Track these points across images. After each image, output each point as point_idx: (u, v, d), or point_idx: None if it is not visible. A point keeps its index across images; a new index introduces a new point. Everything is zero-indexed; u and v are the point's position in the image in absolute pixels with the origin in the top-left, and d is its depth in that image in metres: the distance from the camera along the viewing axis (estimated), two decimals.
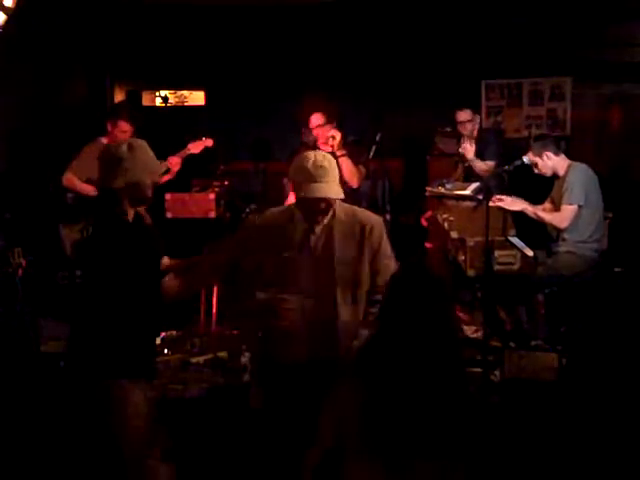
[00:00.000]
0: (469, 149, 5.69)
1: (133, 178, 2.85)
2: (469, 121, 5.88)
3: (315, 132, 5.09)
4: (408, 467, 2.27)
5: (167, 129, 6.76)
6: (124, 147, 2.88)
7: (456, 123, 6.02)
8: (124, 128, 5.20)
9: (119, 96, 7.73)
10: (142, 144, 2.94)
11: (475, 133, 5.93)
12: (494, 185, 4.87)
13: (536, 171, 4.87)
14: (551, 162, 4.82)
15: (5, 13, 4.34)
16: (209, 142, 5.48)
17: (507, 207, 4.84)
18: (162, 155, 5.55)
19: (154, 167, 2.99)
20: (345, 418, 2.34)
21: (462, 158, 5.86)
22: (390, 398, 2.29)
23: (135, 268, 2.81)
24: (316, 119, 5.19)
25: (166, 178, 5.36)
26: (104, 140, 5.24)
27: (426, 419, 2.27)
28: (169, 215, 5.43)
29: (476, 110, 6.09)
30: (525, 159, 4.70)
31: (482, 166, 5.66)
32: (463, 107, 5.90)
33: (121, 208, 2.87)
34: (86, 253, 2.95)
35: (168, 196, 5.43)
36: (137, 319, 2.83)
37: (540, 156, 4.81)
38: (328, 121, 5.11)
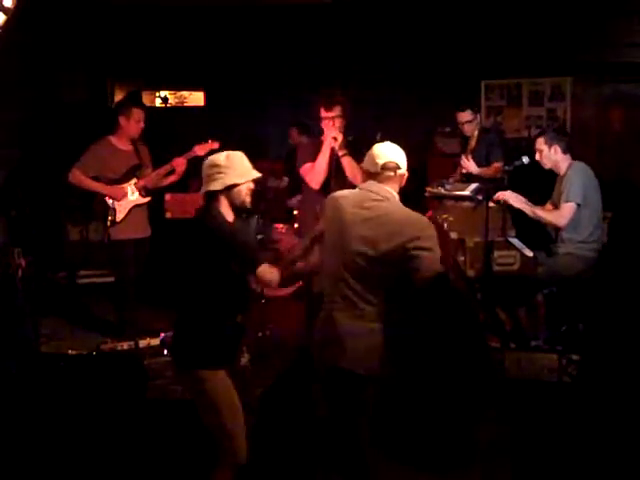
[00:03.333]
0: (471, 165, 5.65)
1: (230, 182, 3.12)
2: (470, 121, 5.86)
3: (324, 123, 4.95)
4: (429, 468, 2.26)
5: (167, 129, 6.77)
6: (223, 155, 3.18)
7: (457, 124, 6.01)
8: (139, 117, 5.26)
9: (119, 96, 7.74)
10: (239, 154, 3.22)
11: (476, 133, 5.92)
12: (494, 185, 4.87)
13: (537, 158, 4.84)
14: (556, 157, 4.79)
15: (5, 13, 4.33)
16: (216, 145, 5.47)
17: (508, 200, 4.81)
18: (162, 155, 5.57)
19: (249, 174, 3.21)
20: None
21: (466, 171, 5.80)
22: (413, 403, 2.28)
23: (227, 265, 3.07)
24: (334, 110, 4.98)
25: (171, 179, 5.37)
26: (112, 138, 5.28)
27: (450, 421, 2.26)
28: (168, 215, 5.44)
29: (477, 110, 6.06)
30: (525, 159, 4.68)
31: (488, 172, 5.62)
32: (463, 108, 5.88)
33: (216, 208, 3.14)
34: (186, 249, 3.22)
35: (168, 196, 5.43)
36: (225, 310, 3.12)
37: (549, 146, 4.79)
38: (341, 115, 4.96)
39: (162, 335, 4.88)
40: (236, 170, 3.15)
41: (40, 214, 6.03)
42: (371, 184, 3.16)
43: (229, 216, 3.16)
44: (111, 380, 3.96)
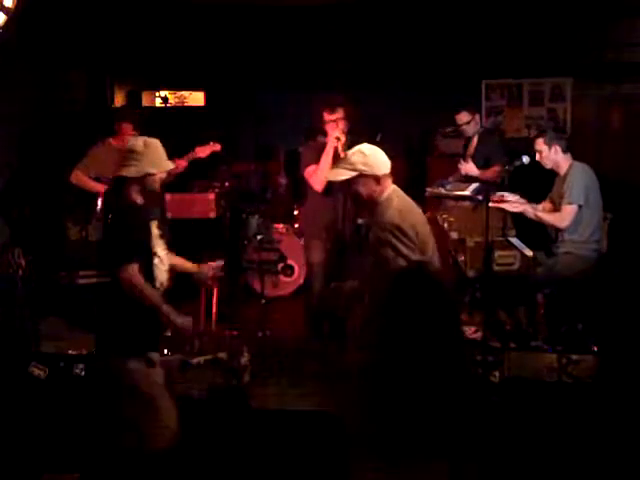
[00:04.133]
0: (470, 168, 5.64)
1: (143, 170, 3.20)
2: (468, 122, 5.87)
3: (328, 125, 4.96)
4: (413, 467, 2.27)
5: (167, 129, 6.76)
6: (140, 141, 3.27)
7: (457, 126, 6.01)
8: (128, 131, 5.36)
9: (119, 96, 7.73)
10: (156, 142, 3.30)
11: (476, 136, 5.91)
12: (493, 186, 4.87)
13: (537, 158, 4.84)
14: (556, 156, 4.80)
15: (5, 13, 4.33)
16: (217, 147, 5.52)
17: (508, 208, 4.83)
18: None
19: (164, 164, 3.31)
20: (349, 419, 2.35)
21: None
22: (397, 400, 2.29)
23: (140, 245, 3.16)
24: (337, 112, 4.99)
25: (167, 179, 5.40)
26: (112, 141, 5.41)
27: (432, 420, 2.27)
28: (169, 215, 5.44)
29: (474, 109, 6.06)
30: (525, 159, 4.68)
31: (487, 174, 5.62)
32: (461, 109, 5.88)
33: (131, 195, 3.21)
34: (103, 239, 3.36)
35: (168, 196, 5.43)
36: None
37: (550, 146, 4.79)
38: (344, 117, 4.96)
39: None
40: (152, 159, 3.24)
41: (40, 214, 6.03)
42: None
43: (139, 200, 3.25)
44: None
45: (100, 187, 5.27)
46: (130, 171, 3.19)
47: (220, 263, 3.68)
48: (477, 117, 5.95)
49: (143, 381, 3.12)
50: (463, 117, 5.87)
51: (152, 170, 3.23)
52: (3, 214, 5.45)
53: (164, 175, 3.34)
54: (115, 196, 3.25)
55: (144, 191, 3.26)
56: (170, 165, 3.37)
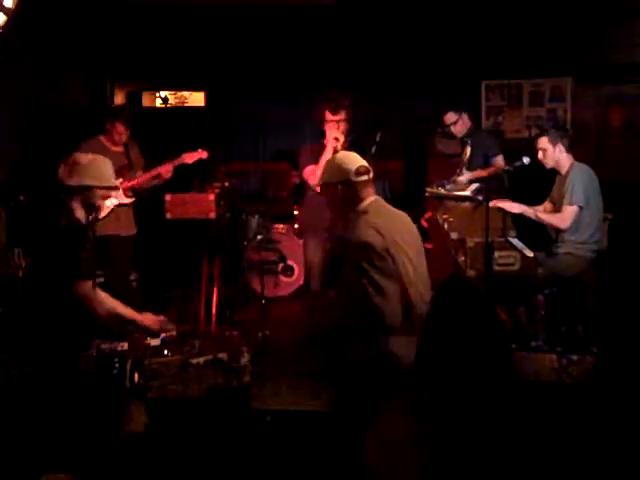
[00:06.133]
0: (464, 178, 5.60)
1: (85, 182, 3.35)
2: (456, 122, 5.88)
3: (328, 126, 4.94)
4: None
5: (167, 130, 6.77)
6: (89, 156, 3.47)
7: (445, 126, 6.03)
8: (120, 130, 5.40)
9: (119, 97, 7.73)
10: (104, 160, 3.48)
11: (466, 132, 5.92)
12: (494, 186, 4.87)
13: (539, 157, 4.84)
14: (560, 155, 4.80)
15: (5, 14, 4.34)
16: (204, 154, 5.55)
17: (508, 209, 4.84)
18: (162, 155, 5.58)
19: (107, 182, 3.44)
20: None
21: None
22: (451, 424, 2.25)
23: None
24: (340, 114, 4.97)
25: (155, 182, 5.49)
26: (102, 138, 5.43)
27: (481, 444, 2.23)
28: (169, 216, 5.43)
29: (469, 110, 6.07)
30: (525, 159, 4.68)
31: (490, 170, 5.62)
32: (445, 110, 5.91)
33: (70, 205, 3.37)
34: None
35: (168, 197, 5.43)
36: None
37: (554, 144, 4.79)
38: (346, 119, 4.95)
39: (162, 335, 4.87)
40: (94, 174, 3.37)
41: (40, 213, 6.02)
42: None
43: (80, 215, 3.39)
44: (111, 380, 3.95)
45: None
46: (71, 181, 3.35)
47: (163, 319, 3.78)
48: (465, 116, 5.94)
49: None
50: (449, 118, 5.90)
51: (92, 183, 3.35)
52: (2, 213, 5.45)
53: (106, 193, 3.45)
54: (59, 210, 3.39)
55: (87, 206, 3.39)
56: (114, 183, 3.48)
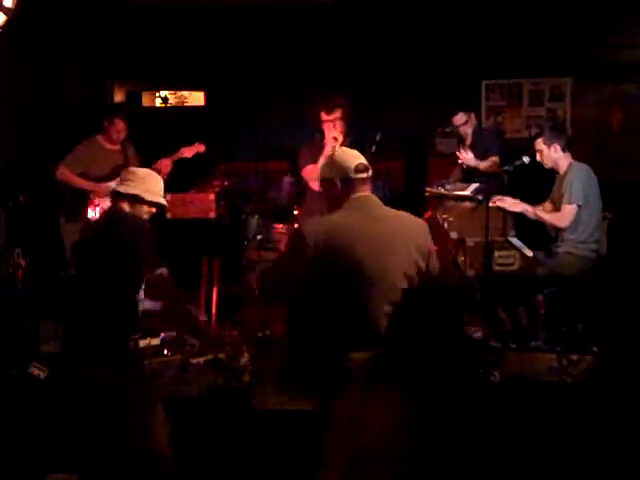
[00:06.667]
0: (468, 157, 5.67)
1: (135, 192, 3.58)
2: (465, 123, 5.90)
3: (325, 125, 4.93)
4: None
5: (167, 129, 6.77)
6: (145, 170, 3.75)
7: (455, 127, 6.04)
8: (119, 127, 5.40)
9: (119, 97, 7.74)
10: (157, 177, 3.76)
11: (470, 130, 5.94)
12: (493, 186, 4.87)
13: (538, 158, 4.85)
14: (556, 155, 4.81)
15: (5, 14, 4.33)
16: (201, 147, 5.56)
17: (507, 208, 4.85)
18: (161, 155, 5.59)
19: (156, 196, 3.71)
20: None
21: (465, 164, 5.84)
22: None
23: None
24: (334, 113, 4.94)
25: None
26: (100, 137, 5.41)
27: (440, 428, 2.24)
28: (169, 216, 5.44)
29: (469, 109, 6.07)
30: (525, 159, 4.68)
31: (486, 164, 5.65)
32: (455, 112, 5.92)
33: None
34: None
35: (168, 197, 5.42)
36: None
37: (549, 145, 4.80)
38: (341, 117, 4.93)
39: (162, 335, 4.87)
40: (148, 187, 3.57)
41: (39, 213, 6.02)
42: None
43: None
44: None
45: (85, 184, 5.29)
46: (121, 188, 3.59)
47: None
48: (472, 116, 5.99)
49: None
50: (460, 119, 5.91)
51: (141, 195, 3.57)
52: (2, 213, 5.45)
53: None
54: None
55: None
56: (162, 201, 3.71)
